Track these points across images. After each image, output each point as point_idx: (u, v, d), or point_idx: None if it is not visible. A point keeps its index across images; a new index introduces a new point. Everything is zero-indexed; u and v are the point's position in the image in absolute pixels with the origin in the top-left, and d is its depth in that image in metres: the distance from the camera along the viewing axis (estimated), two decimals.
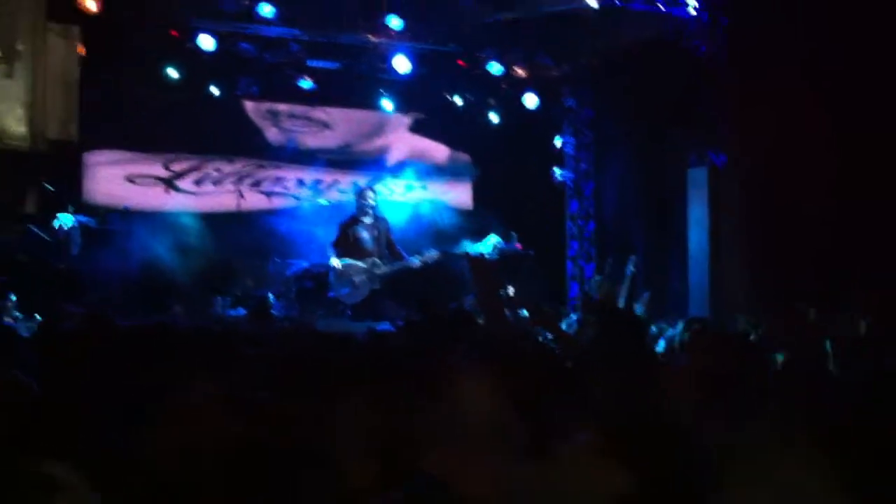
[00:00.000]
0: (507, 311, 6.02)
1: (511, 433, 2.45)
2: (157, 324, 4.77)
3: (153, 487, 2.35)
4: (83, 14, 7.03)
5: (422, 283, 11.19)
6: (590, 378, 3.41)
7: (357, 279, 10.56)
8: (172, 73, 11.59)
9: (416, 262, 10.67)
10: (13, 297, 8.94)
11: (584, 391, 3.27)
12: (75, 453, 2.15)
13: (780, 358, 4.91)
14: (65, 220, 10.57)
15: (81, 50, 8.35)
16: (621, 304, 10.19)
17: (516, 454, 2.42)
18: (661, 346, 5.95)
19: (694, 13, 11.49)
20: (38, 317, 8.48)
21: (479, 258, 4.78)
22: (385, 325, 8.19)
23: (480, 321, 5.50)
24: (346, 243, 10.64)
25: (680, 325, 6.72)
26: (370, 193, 10.86)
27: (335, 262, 10.56)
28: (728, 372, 3.24)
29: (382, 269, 10.60)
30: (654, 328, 6.64)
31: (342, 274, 10.57)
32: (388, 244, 10.78)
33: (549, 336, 5.25)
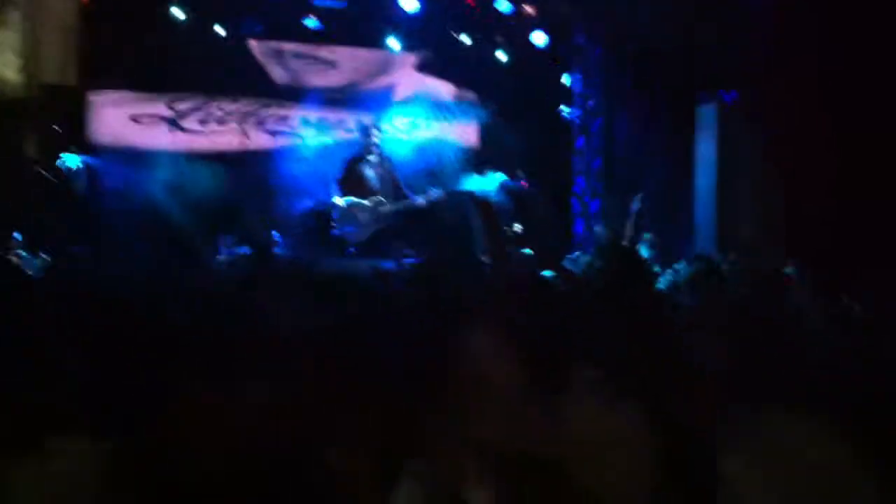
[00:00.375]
0: (512, 250, 6.02)
1: (520, 379, 2.46)
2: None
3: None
4: None
5: (427, 222, 11.18)
6: (596, 318, 3.40)
7: (361, 217, 10.56)
8: (177, 13, 11.45)
9: (421, 200, 10.64)
10: (19, 237, 8.97)
11: (590, 331, 3.26)
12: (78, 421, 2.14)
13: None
14: (69, 160, 10.56)
15: None
16: (625, 241, 10.20)
17: (527, 397, 2.42)
18: (662, 283, 5.94)
19: None
20: (43, 256, 8.51)
21: (483, 198, 4.73)
22: (389, 264, 8.21)
23: (485, 261, 5.49)
24: (351, 182, 10.62)
25: (683, 264, 6.70)
26: (375, 132, 10.79)
27: (339, 201, 10.55)
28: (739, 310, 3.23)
29: (387, 208, 10.58)
30: (657, 267, 6.62)
31: (346, 212, 10.57)
32: (393, 183, 10.74)
33: (553, 274, 5.25)
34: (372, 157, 10.62)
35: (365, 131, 10.85)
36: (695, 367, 2.65)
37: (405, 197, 10.71)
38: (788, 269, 6.49)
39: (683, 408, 2.50)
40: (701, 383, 2.54)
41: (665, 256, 11.68)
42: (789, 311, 4.13)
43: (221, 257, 10.22)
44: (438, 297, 4.30)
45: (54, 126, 7.05)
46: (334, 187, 10.67)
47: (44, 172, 9.49)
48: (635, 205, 10.39)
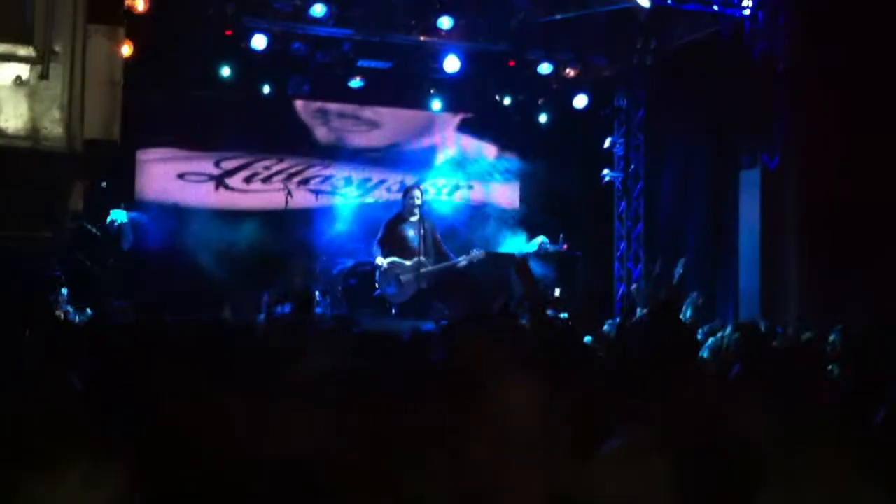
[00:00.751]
0: (551, 312, 5.98)
1: (555, 437, 2.42)
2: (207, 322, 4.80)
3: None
4: (133, 14, 7.11)
5: (468, 283, 11.17)
6: (634, 382, 3.35)
7: (403, 278, 10.58)
8: (225, 72, 11.71)
9: (462, 261, 10.66)
10: (64, 292, 9.10)
11: (627, 394, 3.22)
12: (114, 450, 2.15)
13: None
14: (117, 216, 10.76)
15: (129, 49, 8.48)
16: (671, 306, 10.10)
17: (561, 457, 2.38)
18: (706, 350, 5.86)
19: (749, 13, 11.32)
20: (89, 311, 8.62)
21: (524, 260, 4.73)
22: (429, 325, 8.18)
23: (525, 322, 5.47)
24: (392, 242, 10.66)
25: (728, 329, 6.62)
26: (417, 192, 10.85)
27: (381, 261, 10.58)
28: (780, 381, 3.17)
29: (428, 269, 10.60)
30: (701, 332, 6.53)
31: (388, 272, 10.60)
32: (434, 243, 10.77)
33: (591, 339, 5.20)
34: (413, 218, 10.66)
35: (407, 191, 10.92)
36: (733, 440, 2.59)
37: (447, 258, 10.73)
38: (833, 336, 6.38)
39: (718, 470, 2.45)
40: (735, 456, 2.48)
41: (710, 319, 11.57)
42: (825, 385, 4.03)
43: (262, 316, 10.27)
44: (470, 357, 4.29)
45: (101, 182, 7.20)
46: (376, 247, 10.71)
47: (91, 228, 9.65)
48: (678, 269, 10.29)
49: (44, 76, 2.02)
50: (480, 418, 2.42)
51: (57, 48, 1.88)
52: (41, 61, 1.99)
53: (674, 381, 3.25)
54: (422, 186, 11.48)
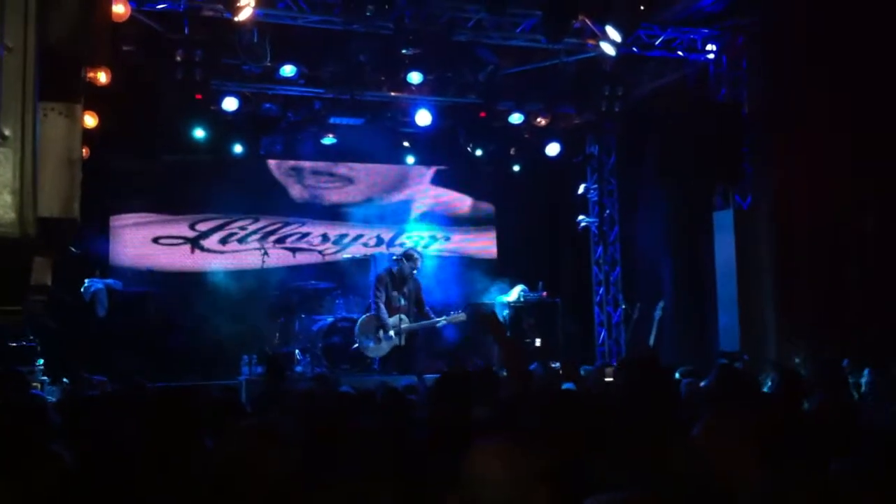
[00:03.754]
0: (533, 364, 5.96)
1: (535, 500, 2.40)
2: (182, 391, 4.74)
3: None
4: (97, 85, 7.12)
5: (448, 337, 11.17)
6: (616, 435, 3.33)
7: (381, 334, 10.56)
8: (197, 134, 11.69)
9: (442, 322, 10.69)
10: (40, 362, 8.99)
11: (610, 449, 3.20)
12: None
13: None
14: (91, 283, 10.69)
15: (93, 121, 8.50)
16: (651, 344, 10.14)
17: None
18: (684, 388, 5.85)
19: (713, 57, 11.52)
20: (65, 381, 8.52)
21: (491, 315, 4.72)
22: (410, 380, 8.14)
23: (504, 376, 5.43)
24: (383, 296, 10.66)
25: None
26: (417, 256, 10.90)
27: (384, 315, 10.59)
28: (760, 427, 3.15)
29: (407, 326, 10.60)
30: (677, 373, 6.53)
31: (367, 327, 10.58)
32: (417, 303, 10.80)
33: (573, 387, 5.17)
34: (406, 278, 10.72)
35: (410, 256, 10.82)
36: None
37: (427, 316, 10.76)
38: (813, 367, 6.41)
39: None
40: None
41: (693, 357, 11.59)
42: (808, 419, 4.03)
43: (243, 378, 10.19)
44: (453, 412, 4.26)
45: (71, 254, 7.18)
46: (375, 304, 10.64)
47: (65, 297, 9.57)
48: (657, 312, 10.33)
49: None
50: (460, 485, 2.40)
51: (7, 132, 1.87)
52: None
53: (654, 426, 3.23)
54: (419, 251, 11.42)
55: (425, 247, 13.41)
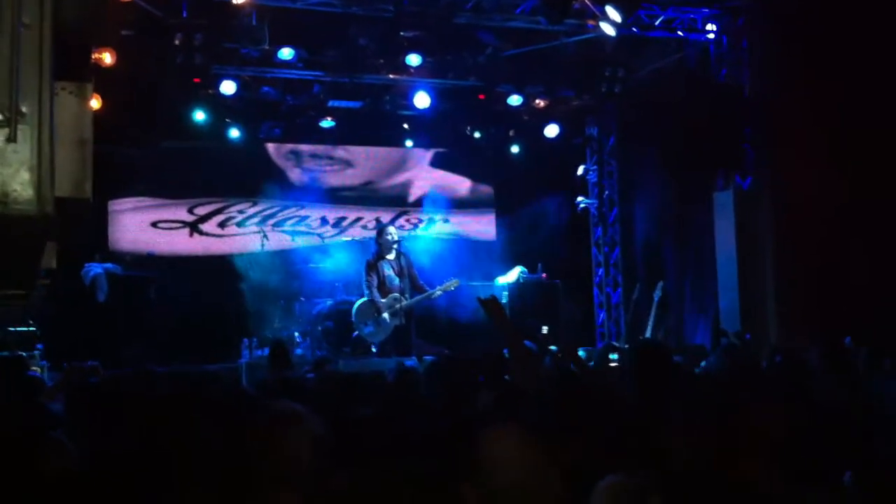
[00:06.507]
0: (537, 350, 5.95)
1: (544, 488, 2.39)
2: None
3: None
4: (100, 68, 7.07)
5: (447, 320, 11.12)
6: (620, 419, 3.33)
7: (380, 317, 10.49)
8: (197, 117, 11.66)
9: (437, 292, 10.62)
10: (40, 347, 8.97)
11: (614, 432, 3.19)
12: None
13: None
14: (91, 268, 10.66)
15: (98, 103, 8.44)
16: (648, 330, 10.12)
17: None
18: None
19: (713, 37, 11.47)
20: (65, 365, 8.49)
21: (491, 299, 4.67)
22: (412, 361, 8.12)
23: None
24: (371, 282, 10.59)
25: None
26: (392, 230, 10.80)
27: (357, 305, 10.54)
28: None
29: (404, 303, 10.53)
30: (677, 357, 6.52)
31: (364, 312, 10.53)
32: (410, 278, 10.72)
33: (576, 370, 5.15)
34: (391, 256, 10.60)
35: (382, 232, 10.76)
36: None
37: (422, 291, 10.66)
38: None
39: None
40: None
41: (690, 340, 11.60)
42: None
43: (243, 361, 10.19)
44: (456, 395, 4.25)
45: (80, 239, 7.17)
46: (367, 288, 10.58)
47: (66, 282, 9.53)
48: (657, 293, 10.32)
49: (11, 139, 1.98)
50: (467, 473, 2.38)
51: (24, 109, 1.85)
52: (8, 124, 1.96)
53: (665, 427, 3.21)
54: (395, 224, 11.42)
55: (424, 229, 13.39)
